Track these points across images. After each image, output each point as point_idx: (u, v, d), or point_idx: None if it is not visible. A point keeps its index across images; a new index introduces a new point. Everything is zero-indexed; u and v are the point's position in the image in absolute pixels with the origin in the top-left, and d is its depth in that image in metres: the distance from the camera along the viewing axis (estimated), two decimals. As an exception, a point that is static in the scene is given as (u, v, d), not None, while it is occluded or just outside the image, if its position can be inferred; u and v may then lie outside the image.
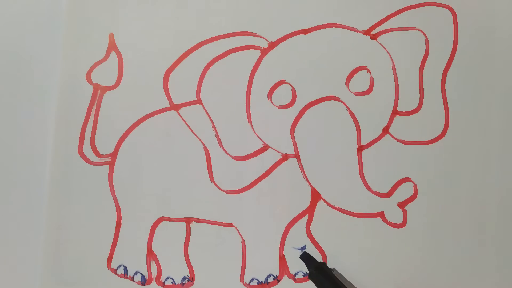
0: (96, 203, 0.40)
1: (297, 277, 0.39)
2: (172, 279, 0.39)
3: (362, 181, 0.38)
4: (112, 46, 0.41)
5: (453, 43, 0.39)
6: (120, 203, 0.40)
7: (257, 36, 0.40)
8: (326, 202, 0.39)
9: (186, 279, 0.39)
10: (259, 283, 0.39)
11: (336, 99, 0.39)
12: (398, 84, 0.39)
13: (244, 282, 0.39)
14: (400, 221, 0.38)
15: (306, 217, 0.39)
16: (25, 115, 0.41)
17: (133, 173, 0.40)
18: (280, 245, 0.39)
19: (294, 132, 0.39)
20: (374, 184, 0.38)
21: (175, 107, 0.40)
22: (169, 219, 0.39)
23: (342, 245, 0.38)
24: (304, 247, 0.39)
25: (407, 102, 0.39)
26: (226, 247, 0.39)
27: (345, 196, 0.38)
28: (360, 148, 0.39)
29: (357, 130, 0.39)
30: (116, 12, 0.41)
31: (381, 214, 0.38)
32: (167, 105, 0.40)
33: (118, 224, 0.40)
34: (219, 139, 0.40)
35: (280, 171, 0.39)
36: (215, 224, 0.39)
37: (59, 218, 0.40)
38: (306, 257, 0.38)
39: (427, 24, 0.39)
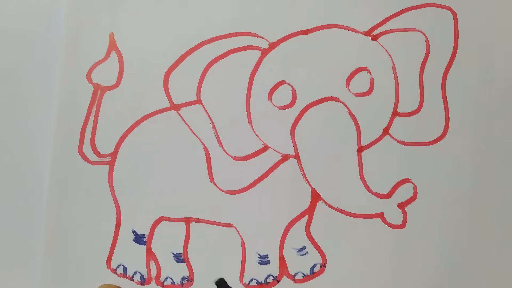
0: (96, 203, 0.40)
1: (296, 277, 0.39)
2: (171, 279, 0.39)
3: (362, 182, 0.38)
4: (113, 46, 0.41)
5: (454, 44, 0.39)
6: (120, 202, 0.40)
7: (258, 36, 0.40)
8: (326, 202, 0.39)
9: (186, 279, 0.39)
10: (259, 283, 0.39)
11: (336, 99, 0.39)
12: (398, 85, 0.39)
13: (244, 282, 0.39)
14: (400, 222, 0.38)
15: (305, 218, 0.39)
16: (25, 115, 0.41)
17: (133, 173, 0.40)
18: (280, 246, 0.39)
19: (294, 132, 0.39)
20: (374, 185, 0.38)
21: (175, 107, 0.40)
22: (169, 219, 0.39)
23: (342, 246, 0.38)
24: (303, 248, 0.39)
25: (408, 103, 0.39)
26: (226, 247, 0.39)
27: (345, 197, 0.38)
28: (360, 149, 0.39)
29: (357, 131, 0.39)
30: (116, 12, 0.41)
31: (381, 215, 0.38)
32: (167, 105, 0.40)
33: (118, 224, 0.40)
34: (219, 139, 0.40)
35: (280, 172, 0.39)
36: (214, 224, 0.39)
37: (59, 217, 0.40)
38: (220, 284, 0.38)
39: (427, 25, 0.39)
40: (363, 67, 0.39)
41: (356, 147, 0.39)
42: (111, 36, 0.41)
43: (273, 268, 0.39)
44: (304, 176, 0.39)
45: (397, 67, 0.39)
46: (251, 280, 0.39)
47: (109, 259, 0.39)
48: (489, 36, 0.39)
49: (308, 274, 0.39)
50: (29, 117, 0.41)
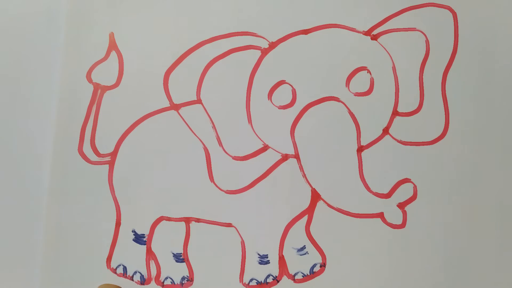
0: (96, 203, 0.40)
1: (296, 277, 0.39)
2: (171, 279, 0.39)
3: (362, 182, 0.38)
4: (113, 46, 0.41)
5: (454, 44, 0.39)
6: (120, 202, 0.40)
7: (258, 36, 0.40)
8: (325, 202, 0.39)
9: (185, 279, 0.39)
10: (258, 283, 0.39)
11: (336, 99, 0.39)
12: (398, 85, 0.39)
13: (243, 282, 0.39)
14: (399, 222, 0.38)
15: (305, 218, 0.39)
16: (25, 114, 0.41)
17: (133, 172, 0.40)
18: (280, 245, 0.39)
19: (294, 132, 0.39)
20: (374, 185, 0.38)
21: (175, 107, 0.40)
22: (169, 219, 0.39)
23: (342, 246, 0.38)
24: (303, 247, 0.39)
25: (407, 103, 0.39)
26: (226, 247, 0.39)
27: (344, 197, 0.38)
28: (360, 149, 0.39)
29: (357, 131, 0.39)
30: (116, 12, 0.41)
31: (380, 215, 0.38)
32: (167, 104, 0.40)
33: (118, 224, 0.40)
34: (219, 139, 0.40)
35: (280, 171, 0.39)
36: (214, 224, 0.39)
37: (59, 217, 0.40)
38: None
39: (427, 25, 0.39)
40: (363, 67, 0.39)
41: (356, 147, 0.39)
42: (111, 36, 0.41)
43: (273, 268, 0.39)
44: (304, 176, 0.39)
45: (397, 67, 0.39)
46: (251, 280, 0.39)
47: (109, 259, 0.39)
48: (489, 36, 0.39)
49: (308, 274, 0.39)
50: (29, 117, 0.41)
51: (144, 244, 0.39)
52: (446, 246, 0.38)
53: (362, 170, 0.39)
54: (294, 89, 0.39)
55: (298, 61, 0.39)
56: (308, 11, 0.40)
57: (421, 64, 0.39)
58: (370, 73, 0.39)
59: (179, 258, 0.39)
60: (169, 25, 0.41)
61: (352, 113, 0.39)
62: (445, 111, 0.39)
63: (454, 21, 0.39)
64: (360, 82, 0.39)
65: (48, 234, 0.40)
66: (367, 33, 0.39)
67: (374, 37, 0.39)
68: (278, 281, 0.39)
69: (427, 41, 0.39)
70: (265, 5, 0.40)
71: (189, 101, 0.40)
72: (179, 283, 0.39)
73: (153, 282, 0.39)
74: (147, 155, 0.40)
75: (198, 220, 0.39)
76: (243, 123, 0.40)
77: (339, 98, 0.39)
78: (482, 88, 0.39)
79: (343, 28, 0.39)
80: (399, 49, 0.39)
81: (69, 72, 0.41)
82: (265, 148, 0.39)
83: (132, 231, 0.39)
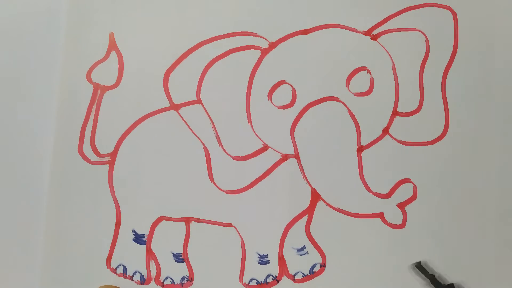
0: (96, 203, 0.40)
1: (296, 277, 0.39)
2: (171, 278, 0.39)
3: (362, 182, 0.38)
4: (113, 46, 0.41)
5: (454, 44, 0.39)
6: (120, 202, 0.40)
7: (258, 36, 0.40)
8: (325, 202, 0.39)
9: (185, 279, 0.39)
10: (258, 283, 0.39)
11: (336, 99, 0.39)
12: (398, 85, 0.39)
13: (243, 282, 0.39)
14: (399, 222, 0.38)
15: (305, 218, 0.39)
16: (25, 114, 0.41)
17: (132, 172, 0.40)
18: (280, 245, 0.39)
19: (294, 132, 0.39)
20: (373, 185, 0.38)
21: (175, 107, 0.40)
22: (169, 219, 0.39)
23: (342, 246, 0.38)
24: (303, 247, 0.39)
25: (407, 103, 0.39)
26: (225, 247, 0.39)
27: (344, 197, 0.38)
28: (360, 149, 0.39)
29: (357, 131, 0.39)
30: (116, 12, 0.41)
31: (380, 215, 0.38)
32: (167, 105, 0.40)
33: (118, 224, 0.40)
34: (219, 139, 0.40)
35: (279, 172, 0.39)
36: (214, 224, 0.39)
37: (59, 217, 0.40)
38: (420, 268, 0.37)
39: (427, 25, 0.39)
40: (363, 67, 0.39)
41: (356, 147, 0.39)
42: (111, 36, 0.41)
43: (273, 268, 0.39)
44: (304, 176, 0.39)
45: (397, 67, 0.39)
46: (251, 280, 0.39)
47: (109, 259, 0.39)
48: (489, 36, 0.39)
49: (308, 274, 0.39)
50: (29, 117, 0.41)
51: (144, 244, 0.39)
52: (446, 246, 0.38)
53: (362, 170, 0.39)
54: (294, 89, 0.39)
55: (298, 61, 0.39)
56: (308, 11, 0.40)
57: (421, 64, 0.39)
58: (370, 73, 0.39)
59: (179, 258, 0.39)
60: (169, 25, 0.41)
61: (352, 113, 0.39)
62: (445, 111, 0.39)
63: (454, 21, 0.39)
64: (360, 82, 0.39)
65: (48, 234, 0.40)
66: (367, 33, 0.39)
67: (374, 37, 0.39)
68: (278, 281, 0.39)
69: (427, 41, 0.39)
70: (265, 5, 0.40)
71: (189, 101, 0.40)
72: (179, 283, 0.39)
73: (153, 282, 0.39)
74: (147, 155, 0.40)
75: (198, 220, 0.39)
76: (243, 123, 0.40)
77: (339, 98, 0.39)
78: (482, 88, 0.39)
79: (343, 28, 0.39)
80: (399, 49, 0.39)
81: (69, 72, 0.41)
82: (265, 148, 0.39)
83: (132, 231, 0.39)
